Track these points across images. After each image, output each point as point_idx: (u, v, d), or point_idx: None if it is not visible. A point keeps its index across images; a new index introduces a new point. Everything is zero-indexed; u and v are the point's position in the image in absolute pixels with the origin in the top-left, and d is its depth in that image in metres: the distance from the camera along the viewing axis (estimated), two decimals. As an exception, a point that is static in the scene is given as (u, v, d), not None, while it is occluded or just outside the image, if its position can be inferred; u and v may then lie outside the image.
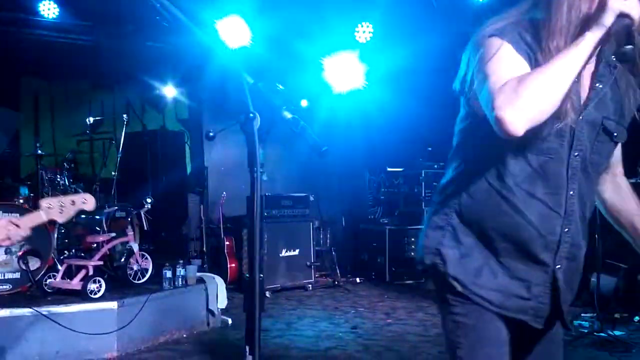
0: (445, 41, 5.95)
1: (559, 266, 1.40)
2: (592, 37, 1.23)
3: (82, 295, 4.21)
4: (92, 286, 4.25)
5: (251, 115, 1.20)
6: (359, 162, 8.63)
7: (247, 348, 1.16)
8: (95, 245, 4.72)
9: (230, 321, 5.14)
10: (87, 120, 5.74)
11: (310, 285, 6.75)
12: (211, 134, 4.59)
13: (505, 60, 1.31)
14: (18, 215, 3.35)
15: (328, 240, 7.69)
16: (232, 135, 7.37)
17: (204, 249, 6.81)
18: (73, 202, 1.91)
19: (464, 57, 1.43)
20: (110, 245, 4.75)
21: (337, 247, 7.76)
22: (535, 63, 1.30)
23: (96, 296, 4.25)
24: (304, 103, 7.95)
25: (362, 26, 6.84)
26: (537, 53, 1.31)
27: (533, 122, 1.23)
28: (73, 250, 5.01)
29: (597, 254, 5.07)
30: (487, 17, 1.41)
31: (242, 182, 7.38)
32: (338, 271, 7.21)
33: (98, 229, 4.92)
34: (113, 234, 4.82)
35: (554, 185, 1.37)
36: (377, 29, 6.89)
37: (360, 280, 7.24)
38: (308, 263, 6.75)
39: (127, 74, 7.21)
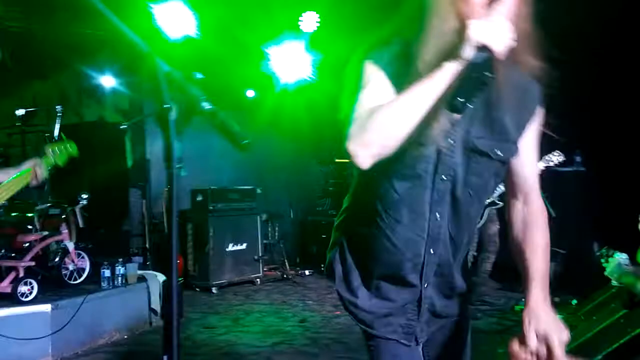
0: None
1: (425, 285, 1.43)
2: (449, 69, 1.16)
3: (12, 299, 3.99)
4: (23, 288, 4.02)
5: (166, 106, 1.10)
6: (307, 154, 8.57)
7: (165, 358, 1.07)
8: (26, 244, 4.45)
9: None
10: (16, 111, 5.41)
11: (258, 280, 6.65)
12: (122, 126, 4.36)
13: (370, 88, 1.29)
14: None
15: (276, 233, 7.61)
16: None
17: (147, 245, 6.58)
18: None
19: (344, 81, 1.39)
20: (43, 244, 4.50)
21: (286, 239, 7.70)
22: (403, 87, 1.24)
23: (28, 299, 4.03)
24: (250, 94, 7.81)
25: (307, 15, 6.73)
26: (406, 76, 1.24)
27: (378, 156, 1.21)
28: (3, 251, 4.71)
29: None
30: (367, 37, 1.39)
31: (187, 175, 7.20)
32: (287, 264, 7.15)
33: (30, 227, 4.65)
34: (46, 233, 4.57)
35: (417, 211, 1.36)
36: (324, 19, 6.80)
37: (309, 272, 7.20)
38: (256, 257, 6.66)
39: (62, 62, 6.84)
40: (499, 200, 4.94)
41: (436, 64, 1.19)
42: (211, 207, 6.31)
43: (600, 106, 5.42)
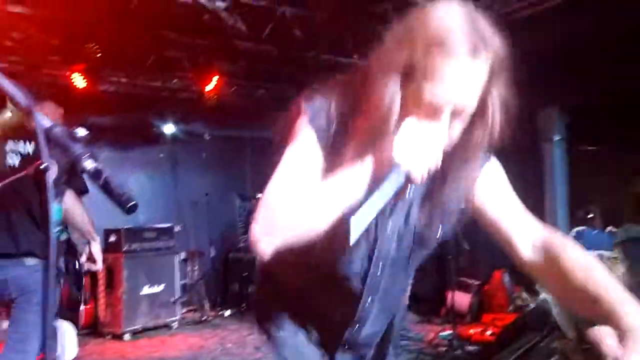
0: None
1: None
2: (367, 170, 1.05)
3: None
4: None
5: (43, 165, 1.01)
6: (229, 189, 8.42)
7: None
8: None
9: (81, 372, 4.63)
10: None
11: (175, 323, 6.35)
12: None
13: (295, 154, 1.15)
14: None
15: (196, 272, 7.35)
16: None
17: (55, 289, 6.13)
18: None
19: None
20: None
21: (206, 278, 7.45)
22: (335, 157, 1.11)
23: None
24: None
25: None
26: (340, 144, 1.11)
27: (285, 247, 1.06)
28: None
29: (450, 273, 5.37)
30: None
31: (99, 214, 6.83)
32: (206, 305, 6.89)
33: None
34: None
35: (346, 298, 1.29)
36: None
37: (230, 312, 6.97)
38: (173, 299, 6.37)
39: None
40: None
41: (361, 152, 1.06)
42: (125, 248, 6.00)
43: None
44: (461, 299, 5.86)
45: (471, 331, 5.54)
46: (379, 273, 1.27)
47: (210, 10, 4.35)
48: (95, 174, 1.04)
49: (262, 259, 1.10)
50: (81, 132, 1.09)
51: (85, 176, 1.05)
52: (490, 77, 1.09)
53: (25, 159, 2.73)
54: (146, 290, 6.12)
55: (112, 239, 6.08)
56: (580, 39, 4.85)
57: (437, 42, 1.01)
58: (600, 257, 2.76)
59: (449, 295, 5.38)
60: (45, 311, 1.00)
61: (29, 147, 2.79)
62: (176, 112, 7.40)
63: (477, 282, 6.07)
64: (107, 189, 1.05)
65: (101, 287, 6.07)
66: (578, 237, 2.87)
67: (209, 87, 6.61)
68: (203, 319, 6.68)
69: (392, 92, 1.05)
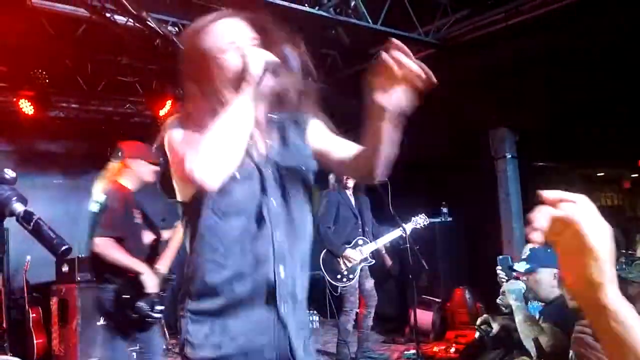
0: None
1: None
2: (247, 89, 1.37)
3: None
4: None
5: (-32, 210, 0.96)
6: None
7: None
8: None
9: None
10: None
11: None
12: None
13: (179, 136, 1.47)
14: None
15: (155, 300, 7.13)
16: (40, 191, 6.62)
17: (3, 324, 5.85)
18: None
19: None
20: None
21: (166, 305, 7.25)
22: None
23: None
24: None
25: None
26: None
27: (222, 175, 1.32)
28: None
29: (412, 292, 5.40)
30: None
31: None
32: (166, 333, 6.70)
33: None
34: None
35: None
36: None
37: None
38: (131, 329, 6.17)
39: None
40: (371, 258, 5.10)
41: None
42: (79, 278, 5.79)
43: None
44: (424, 317, 5.89)
45: (435, 349, 5.57)
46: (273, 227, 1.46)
47: (162, 34, 4.31)
48: (25, 217, 1.00)
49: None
50: (10, 173, 1.04)
51: (14, 219, 1.00)
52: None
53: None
54: (102, 321, 5.90)
55: (65, 269, 5.87)
56: (528, 60, 5.03)
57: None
58: (555, 275, 2.81)
59: (412, 313, 5.40)
60: None
61: None
62: (129, 137, 7.25)
63: (438, 300, 6.12)
64: (37, 233, 1.00)
65: (54, 319, 5.84)
66: (531, 256, 2.92)
67: (162, 112, 6.53)
68: (164, 347, 6.49)
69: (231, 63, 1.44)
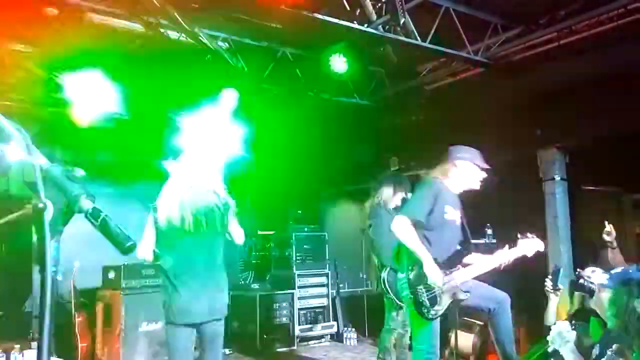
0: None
1: None
2: None
3: None
4: None
5: (40, 205, 1.01)
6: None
7: None
8: None
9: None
10: None
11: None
12: None
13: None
14: None
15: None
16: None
17: (51, 327, 6.04)
18: None
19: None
20: None
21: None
22: None
23: None
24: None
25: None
26: None
27: None
28: None
29: (453, 314, 5.28)
30: None
31: (98, 250, 6.80)
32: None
33: None
34: None
35: None
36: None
37: (229, 352, 6.85)
38: (172, 337, 6.26)
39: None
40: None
41: None
42: (124, 285, 5.95)
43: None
44: (465, 340, 5.75)
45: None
46: None
47: (213, 50, 4.44)
48: (93, 214, 1.05)
49: None
50: (78, 172, 1.10)
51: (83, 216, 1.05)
52: None
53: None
54: (145, 327, 6.04)
55: (111, 275, 6.04)
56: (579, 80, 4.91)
57: None
58: None
59: (452, 336, 5.28)
60: (41, 350, 0.99)
61: None
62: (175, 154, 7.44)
63: (480, 322, 5.97)
64: (104, 229, 1.05)
65: (99, 325, 5.99)
66: (614, 275, 2.80)
67: (211, 124, 6.68)
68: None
69: None
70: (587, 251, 5.05)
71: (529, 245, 3.76)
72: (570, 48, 4.62)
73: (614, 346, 2.27)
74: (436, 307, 3.37)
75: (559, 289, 3.58)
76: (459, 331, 5.26)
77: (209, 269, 3.55)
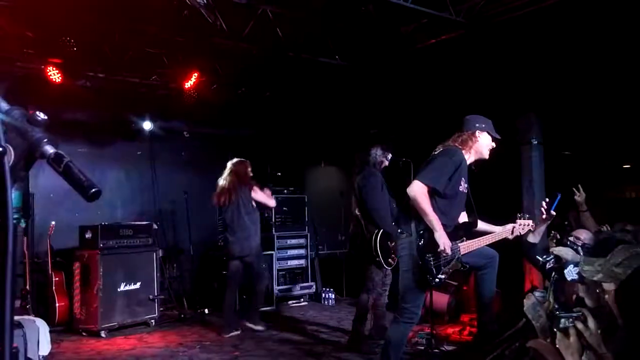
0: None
1: None
2: None
3: None
4: None
5: (0, 149, 0.98)
6: (208, 188, 8.35)
7: None
8: None
9: (53, 370, 4.55)
10: None
11: (153, 321, 6.28)
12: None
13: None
14: None
15: (175, 271, 7.27)
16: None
17: (27, 287, 6.02)
18: None
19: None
20: None
21: (185, 276, 7.39)
22: None
23: None
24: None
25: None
26: None
27: None
28: None
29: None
30: None
31: (75, 210, 6.74)
32: (185, 303, 6.83)
33: None
34: None
35: None
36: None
37: (209, 311, 6.91)
38: (151, 296, 6.29)
39: None
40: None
41: None
42: (101, 245, 5.92)
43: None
44: (440, 299, 5.88)
45: (449, 331, 5.58)
46: None
47: (191, 5, 4.30)
48: (56, 159, 1.01)
49: None
50: (41, 115, 1.06)
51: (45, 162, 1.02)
52: None
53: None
54: (123, 287, 6.05)
55: (88, 235, 6.00)
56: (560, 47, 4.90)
57: None
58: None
59: (428, 295, 5.39)
60: (5, 301, 0.97)
61: None
62: (154, 109, 7.32)
63: (455, 283, 6.10)
64: (68, 174, 1.02)
65: (76, 284, 5.99)
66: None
67: (188, 84, 6.56)
68: (182, 316, 6.62)
69: None
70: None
71: (525, 226, 3.89)
72: (552, 10, 4.59)
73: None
74: (440, 275, 3.47)
75: (552, 215, 3.66)
76: (434, 291, 5.39)
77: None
